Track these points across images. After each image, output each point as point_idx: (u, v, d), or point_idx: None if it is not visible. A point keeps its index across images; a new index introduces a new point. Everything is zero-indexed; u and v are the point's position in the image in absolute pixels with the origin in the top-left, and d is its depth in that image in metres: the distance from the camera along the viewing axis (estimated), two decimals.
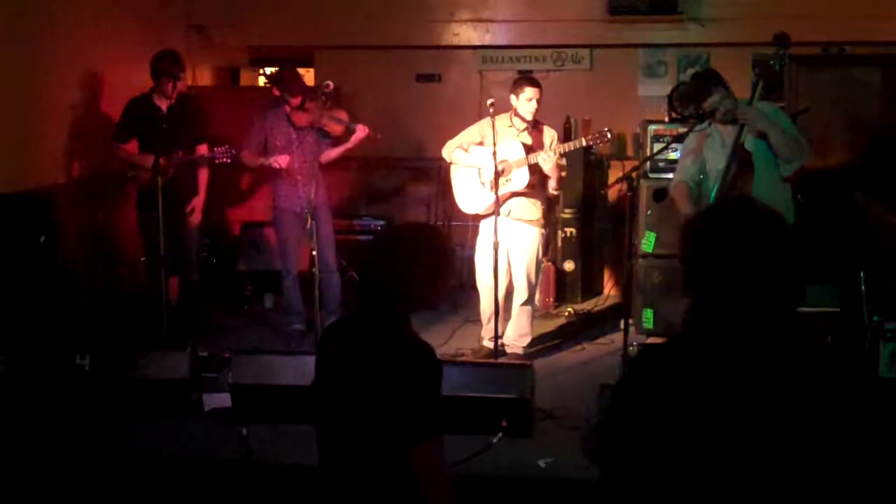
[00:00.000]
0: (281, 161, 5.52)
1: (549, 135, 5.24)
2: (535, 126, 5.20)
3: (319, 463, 2.37)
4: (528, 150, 5.09)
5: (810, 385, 1.69)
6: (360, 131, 5.52)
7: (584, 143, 5.12)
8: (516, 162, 5.06)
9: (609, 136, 4.99)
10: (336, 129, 5.62)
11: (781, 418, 1.66)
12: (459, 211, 5.44)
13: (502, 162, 4.98)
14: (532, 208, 5.24)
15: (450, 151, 5.32)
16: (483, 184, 5.19)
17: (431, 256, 2.40)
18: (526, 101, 5.09)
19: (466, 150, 5.24)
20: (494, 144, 4.87)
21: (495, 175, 4.88)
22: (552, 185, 5.20)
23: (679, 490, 1.71)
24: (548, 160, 5.00)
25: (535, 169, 5.10)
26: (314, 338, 5.24)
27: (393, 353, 2.24)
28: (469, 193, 5.28)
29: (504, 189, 5.04)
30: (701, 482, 1.69)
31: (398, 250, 2.39)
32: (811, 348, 1.76)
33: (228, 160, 5.51)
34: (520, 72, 6.92)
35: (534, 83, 5.14)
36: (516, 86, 5.17)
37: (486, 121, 5.01)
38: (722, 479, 1.67)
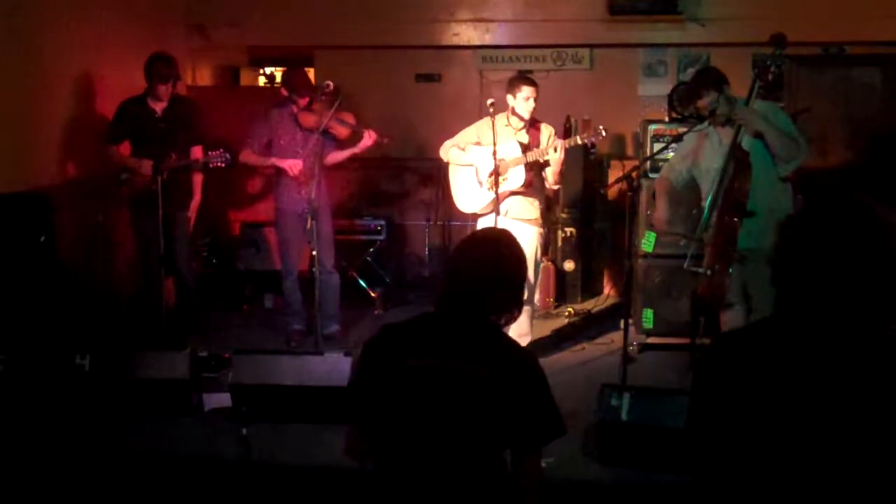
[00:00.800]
0: (294, 168, 5.48)
1: (547, 131, 5.23)
2: (532, 125, 5.20)
3: (389, 470, 2.27)
4: (525, 148, 5.08)
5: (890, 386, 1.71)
6: (368, 138, 5.50)
7: (579, 142, 5.10)
8: (512, 161, 5.05)
9: (604, 133, 4.98)
10: (342, 131, 5.59)
11: (857, 413, 1.69)
12: (459, 211, 5.43)
13: (499, 161, 4.98)
14: (530, 208, 5.23)
15: (446, 151, 5.32)
16: (480, 183, 5.18)
17: (521, 263, 2.41)
18: (523, 101, 5.08)
19: (463, 150, 5.24)
20: (494, 144, 4.87)
21: (494, 174, 4.88)
22: (552, 181, 5.18)
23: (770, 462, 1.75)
24: (556, 153, 4.97)
25: (531, 167, 5.10)
26: (314, 338, 5.24)
27: (511, 364, 2.23)
28: (467, 193, 5.28)
29: (501, 188, 5.02)
30: (785, 461, 1.74)
31: (500, 256, 2.34)
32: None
33: (223, 164, 5.43)
34: (519, 72, 6.92)
35: (531, 82, 5.13)
36: (513, 85, 5.16)
37: (486, 120, 5.00)
38: (803, 462, 1.72)
